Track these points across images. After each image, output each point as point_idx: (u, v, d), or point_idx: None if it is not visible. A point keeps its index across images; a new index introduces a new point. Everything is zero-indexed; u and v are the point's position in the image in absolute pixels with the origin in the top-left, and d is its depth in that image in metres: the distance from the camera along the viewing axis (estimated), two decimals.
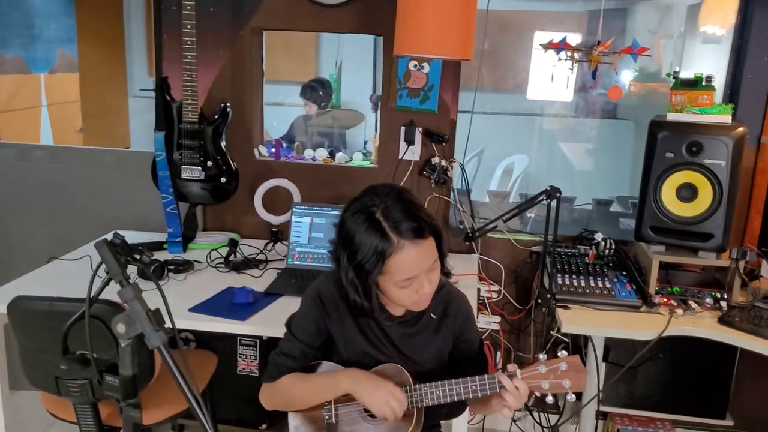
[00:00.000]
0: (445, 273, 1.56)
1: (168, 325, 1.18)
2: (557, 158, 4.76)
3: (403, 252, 1.40)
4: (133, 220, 2.96)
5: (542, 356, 1.47)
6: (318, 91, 5.02)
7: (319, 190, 2.91)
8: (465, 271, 2.57)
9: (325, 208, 2.53)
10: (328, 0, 2.71)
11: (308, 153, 3.03)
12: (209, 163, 2.70)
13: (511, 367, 1.46)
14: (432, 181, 2.82)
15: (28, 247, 3.09)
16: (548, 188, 2.28)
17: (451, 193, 2.87)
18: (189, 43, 2.59)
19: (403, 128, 2.81)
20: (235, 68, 2.86)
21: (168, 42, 2.84)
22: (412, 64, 2.76)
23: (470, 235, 2.53)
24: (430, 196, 2.86)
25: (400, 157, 2.83)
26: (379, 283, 1.47)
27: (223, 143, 2.72)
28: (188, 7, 2.57)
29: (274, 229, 2.69)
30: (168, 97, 2.67)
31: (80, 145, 4.08)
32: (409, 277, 1.43)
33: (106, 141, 4.48)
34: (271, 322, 2.04)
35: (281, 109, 5.94)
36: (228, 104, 2.71)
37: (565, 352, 1.48)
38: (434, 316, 1.60)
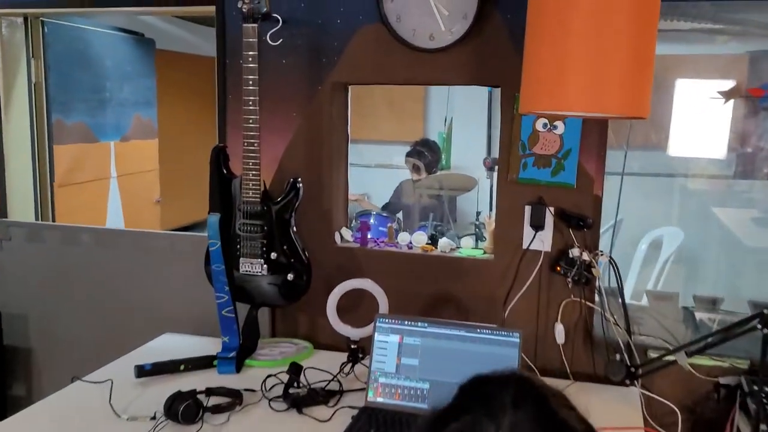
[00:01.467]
0: None
1: None
2: (713, 228, 3.81)
3: None
4: (189, 321, 2.40)
5: None
6: (425, 156, 4.39)
7: (415, 288, 2.23)
8: (622, 416, 1.77)
9: (420, 325, 1.83)
10: (427, 44, 2.08)
11: (403, 237, 2.36)
12: (273, 255, 2.09)
13: None
14: (569, 279, 2.07)
15: (57, 353, 2.62)
16: (764, 312, 1.46)
17: (597, 296, 2.09)
18: (251, 103, 2.03)
19: (528, 208, 2.09)
20: (312, 133, 2.27)
21: (233, 104, 2.31)
22: (540, 124, 2.05)
23: (632, 370, 1.74)
24: (566, 301, 2.10)
25: (524, 247, 2.10)
26: None
27: (293, 228, 2.11)
28: (249, 59, 2.02)
29: (353, 345, 2.02)
30: (225, 171, 2.11)
31: (157, 218, 3.64)
32: None
33: (187, 214, 4.08)
34: None
35: (387, 172, 5.36)
36: (299, 179, 2.11)
37: None
38: None
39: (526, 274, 2.11)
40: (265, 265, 2.11)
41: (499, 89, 2.11)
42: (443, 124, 5.42)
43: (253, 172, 2.06)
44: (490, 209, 4.05)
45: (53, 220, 2.82)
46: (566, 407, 0.72)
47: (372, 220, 4.04)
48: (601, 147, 2.04)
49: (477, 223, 4.16)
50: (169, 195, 3.77)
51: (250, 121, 2.03)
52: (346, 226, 2.43)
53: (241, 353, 2.12)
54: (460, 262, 2.22)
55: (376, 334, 1.86)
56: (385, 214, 4.12)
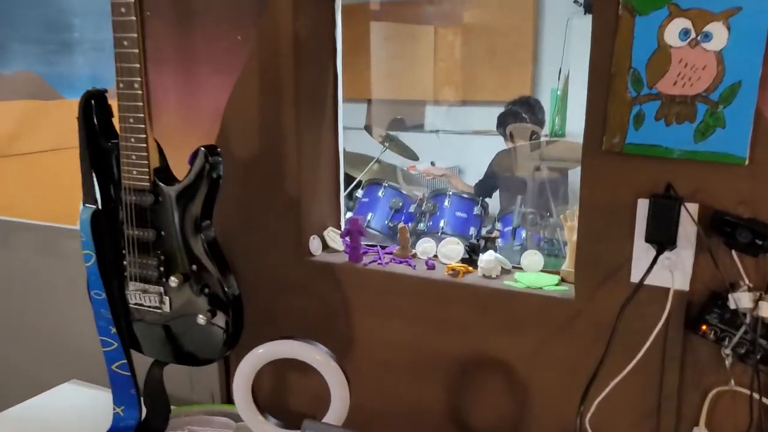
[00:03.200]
0: None
1: None
2: None
3: None
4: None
5: None
6: (521, 118, 3.31)
7: (425, 351, 1.27)
8: None
9: None
10: None
11: (423, 248, 1.39)
12: (173, 280, 1.20)
13: None
14: (726, 351, 1.01)
15: None
16: None
17: None
18: (122, 9, 1.14)
19: (643, 205, 1.04)
20: (271, 70, 1.34)
21: (156, 28, 1.43)
22: (674, 30, 0.99)
23: None
24: (718, 390, 1.05)
25: (634, 280, 1.07)
26: None
27: (206, 235, 1.20)
28: None
29: None
30: (106, 135, 1.25)
31: None
32: None
33: None
34: None
35: (486, 141, 4.31)
36: (215, 149, 1.19)
37: None
38: None
39: (634, 333, 1.08)
40: (165, 297, 1.23)
41: None
42: (557, 79, 4.23)
43: (135, 137, 1.17)
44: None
45: None
46: None
47: (447, 203, 3.06)
48: None
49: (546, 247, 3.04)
50: None
51: (125, 43, 1.14)
52: (336, 226, 1.49)
53: None
54: (509, 300, 1.21)
55: None
56: (466, 196, 3.11)
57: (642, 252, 1.07)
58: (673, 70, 1.01)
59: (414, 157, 3.69)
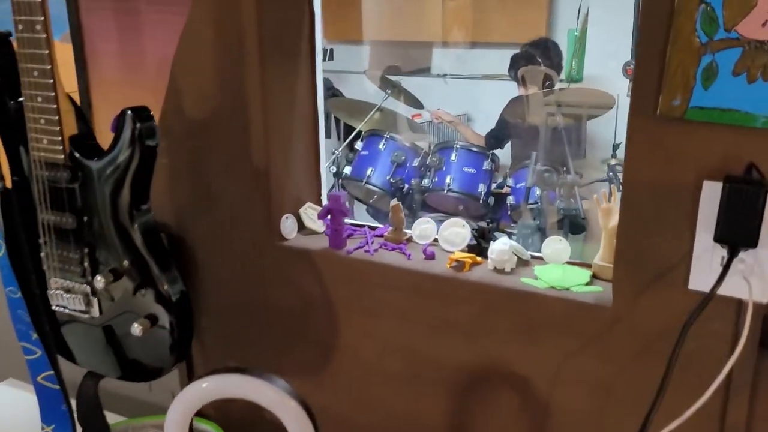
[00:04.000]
0: None
1: None
2: None
3: None
4: None
5: None
6: (536, 61, 2.99)
7: (425, 364, 1.03)
8: None
9: None
10: None
11: (420, 230, 1.13)
12: (99, 279, 0.95)
13: None
14: None
15: None
16: None
17: None
18: None
19: (712, 189, 0.77)
20: (227, 14, 1.05)
21: None
22: None
23: None
24: None
25: (695, 287, 0.81)
26: None
27: (142, 221, 0.94)
28: None
29: None
30: (12, 96, 0.98)
31: None
32: None
33: None
34: None
35: (497, 86, 3.98)
36: (143, 110, 0.91)
37: None
38: None
39: (695, 355, 0.82)
40: (92, 299, 0.98)
41: None
42: (576, 19, 3.86)
43: (42, 96, 0.90)
44: (610, 177, 2.52)
45: None
46: None
47: (453, 157, 2.77)
48: None
49: (613, 165, 2.72)
50: None
51: None
52: (317, 201, 1.22)
53: None
54: (527, 303, 0.96)
55: None
56: (475, 149, 2.82)
57: (706, 250, 0.80)
58: (762, 5, 0.72)
59: (418, 105, 3.39)
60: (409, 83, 3.64)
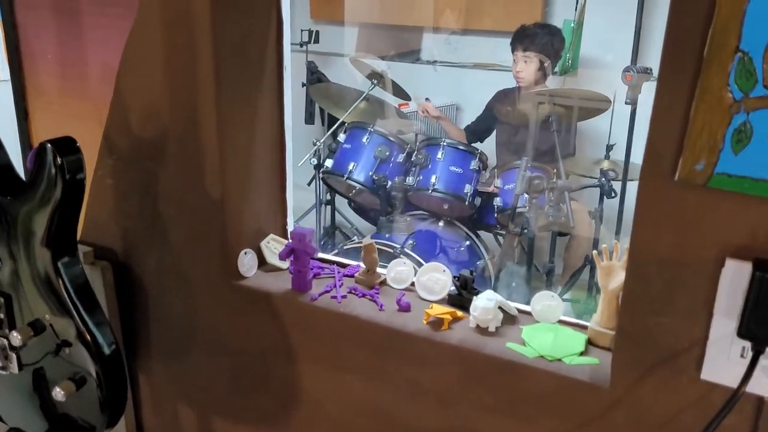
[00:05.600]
0: None
1: None
2: None
3: None
4: None
5: None
6: (538, 38, 2.86)
7: None
8: None
9: None
10: None
11: (396, 273, 1.00)
12: (16, 337, 0.81)
13: None
14: None
15: None
16: None
17: None
18: None
19: (736, 272, 0.65)
20: (178, 21, 0.91)
21: None
22: None
23: None
24: None
25: (710, 377, 0.69)
26: None
27: (68, 268, 0.81)
28: None
29: None
30: None
31: None
32: None
33: None
34: None
35: (488, 75, 3.84)
36: (72, 144, 0.77)
37: None
38: None
39: None
40: (11, 353, 0.85)
41: None
42: (573, 9, 3.71)
43: None
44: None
45: None
46: None
47: (440, 155, 2.64)
48: None
49: (606, 170, 2.58)
50: None
51: None
52: (281, 233, 1.09)
53: None
54: (512, 374, 0.83)
55: None
56: (462, 147, 2.68)
57: (724, 338, 0.68)
58: None
59: (405, 96, 3.24)
60: (398, 69, 3.48)
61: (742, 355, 0.68)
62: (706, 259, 0.68)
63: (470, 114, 3.69)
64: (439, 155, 2.63)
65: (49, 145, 0.74)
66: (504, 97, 3.04)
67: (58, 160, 0.74)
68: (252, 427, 1.07)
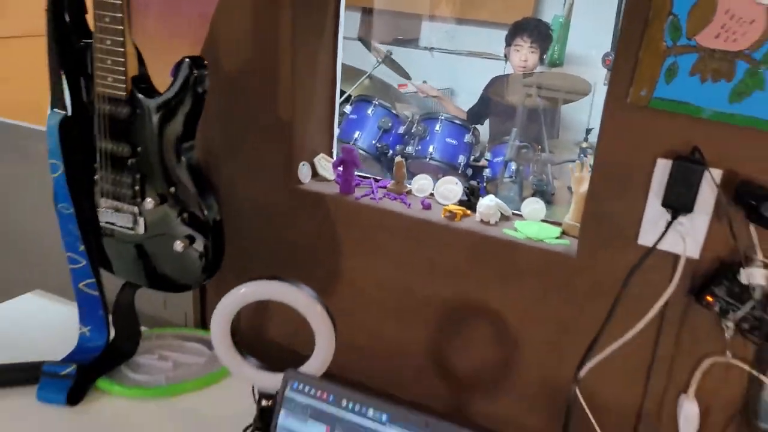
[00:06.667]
0: None
1: None
2: None
3: None
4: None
5: None
6: (542, 31, 3.15)
7: (416, 299, 1.21)
8: None
9: (374, 415, 0.82)
10: None
11: (419, 185, 1.32)
12: (149, 202, 1.12)
13: None
14: (728, 323, 0.97)
15: None
16: None
17: None
18: None
19: (664, 165, 0.97)
20: None
21: None
22: None
23: None
24: (713, 360, 1.02)
25: (642, 242, 1.01)
26: None
27: (187, 156, 1.11)
28: None
29: (263, 403, 1.06)
30: (78, 34, 1.12)
31: None
32: None
33: None
34: None
35: (482, 63, 4.14)
36: (201, 61, 1.07)
37: None
38: None
39: (635, 298, 1.03)
40: (139, 218, 1.15)
41: None
42: (562, 5, 4.05)
43: (111, 40, 1.05)
44: (581, 157, 2.77)
45: None
46: None
47: (438, 128, 2.94)
48: None
49: (586, 147, 2.93)
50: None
51: None
52: (328, 153, 1.40)
53: (96, 366, 1.21)
54: (507, 251, 1.15)
55: (282, 411, 0.87)
56: (458, 122, 2.99)
57: (655, 215, 1.00)
58: (717, 20, 0.91)
59: (406, 76, 3.54)
60: (397, 53, 3.78)
61: (665, 226, 0.99)
62: (646, 160, 1.00)
63: (463, 97, 4.01)
64: (438, 128, 2.92)
65: (187, 60, 1.04)
66: (498, 82, 3.35)
67: (194, 72, 1.04)
68: (260, 341, 1.38)
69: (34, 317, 1.42)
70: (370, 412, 0.81)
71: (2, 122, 1.63)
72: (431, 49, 4.53)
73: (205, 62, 1.07)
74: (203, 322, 1.47)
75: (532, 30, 3.25)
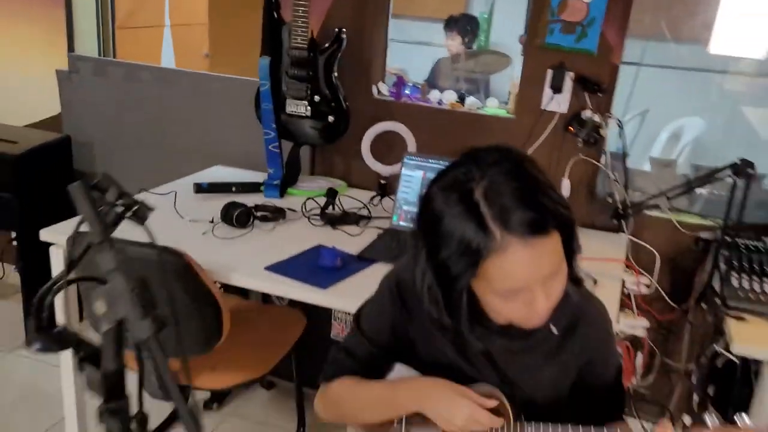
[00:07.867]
0: (575, 279, 1.08)
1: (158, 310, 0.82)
2: (738, 125, 3.93)
3: (509, 253, 0.94)
4: (237, 156, 2.70)
5: (710, 418, 0.98)
6: (465, 24, 4.51)
7: (440, 141, 2.47)
8: (609, 254, 2.05)
9: (442, 162, 2.09)
10: None
11: (434, 95, 2.59)
12: (317, 98, 2.34)
13: (662, 429, 0.99)
14: (580, 139, 2.29)
15: (121, 175, 2.94)
16: (738, 162, 1.69)
17: (603, 157, 2.32)
18: None
19: (549, 71, 2.28)
20: None
21: None
22: None
23: (620, 211, 2.00)
24: (575, 159, 2.33)
25: (542, 107, 2.32)
26: (473, 287, 1.03)
27: (335, 75, 2.34)
28: None
29: (382, 181, 2.30)
30: (276, 16, 2.33)
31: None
32: (515, 288, 0.98)
33: (235, 70, 4.28)
34: (355, 294, 1.67)
35: (425, 50, 5.48)
36: (343, 30, 2.31)
37: (746, 418, 0.98)
38: (556, 332, 1.14)
39: (541, 131, 2.34)
40: (308, 107, 2.36)
41: None
42: (486, 4, 5.48)
43: (302, 20, 2.27)
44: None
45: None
46: (536, 169, 0.99)
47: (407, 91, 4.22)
48: (624, 19, 2.20)
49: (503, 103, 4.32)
50: (218, 51, 3.99)
51: None
52: (383, 81, 2.65)
53: (284, 182, 2.42)
54: (484, 120, 2.45)
55: (403, 169, 2.13)
56: (419, 86, 4.29)
57: (547, 94, 2.32)
58: (568, 8, 2.23)
59: None
60: None
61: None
62: (544, 70, 2.30)
63: (414, 77, 5.32)
64: (407, 91, 4.20)
65: (339, 29, 2.27)
66: (442, 64, 4.68)
67: (342, 35, 2.27)
68: (375, 158, 2.62)
69: (226, 175, 2.60)
70: (441, 162, 2.09)
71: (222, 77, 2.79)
72: (390, 40, 5.85)
73: (344, 30, 2.30)
74: (313, 172, 2.69)
75: (453, 23, 4.61)
